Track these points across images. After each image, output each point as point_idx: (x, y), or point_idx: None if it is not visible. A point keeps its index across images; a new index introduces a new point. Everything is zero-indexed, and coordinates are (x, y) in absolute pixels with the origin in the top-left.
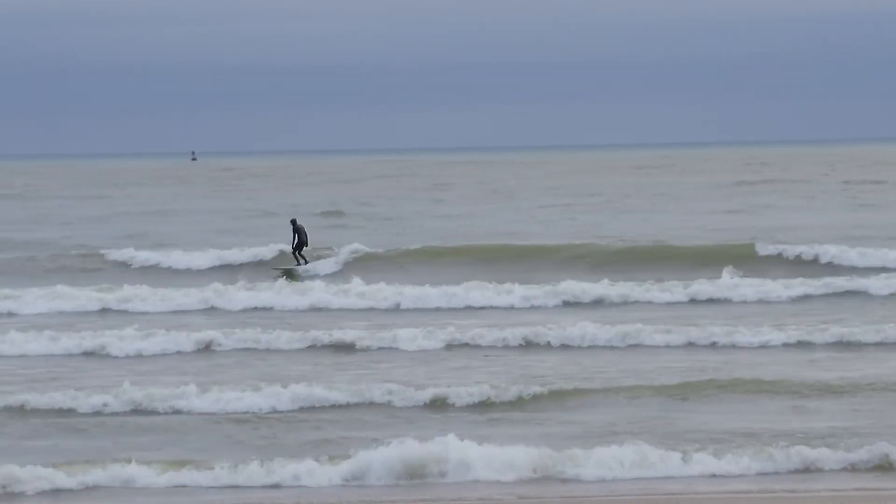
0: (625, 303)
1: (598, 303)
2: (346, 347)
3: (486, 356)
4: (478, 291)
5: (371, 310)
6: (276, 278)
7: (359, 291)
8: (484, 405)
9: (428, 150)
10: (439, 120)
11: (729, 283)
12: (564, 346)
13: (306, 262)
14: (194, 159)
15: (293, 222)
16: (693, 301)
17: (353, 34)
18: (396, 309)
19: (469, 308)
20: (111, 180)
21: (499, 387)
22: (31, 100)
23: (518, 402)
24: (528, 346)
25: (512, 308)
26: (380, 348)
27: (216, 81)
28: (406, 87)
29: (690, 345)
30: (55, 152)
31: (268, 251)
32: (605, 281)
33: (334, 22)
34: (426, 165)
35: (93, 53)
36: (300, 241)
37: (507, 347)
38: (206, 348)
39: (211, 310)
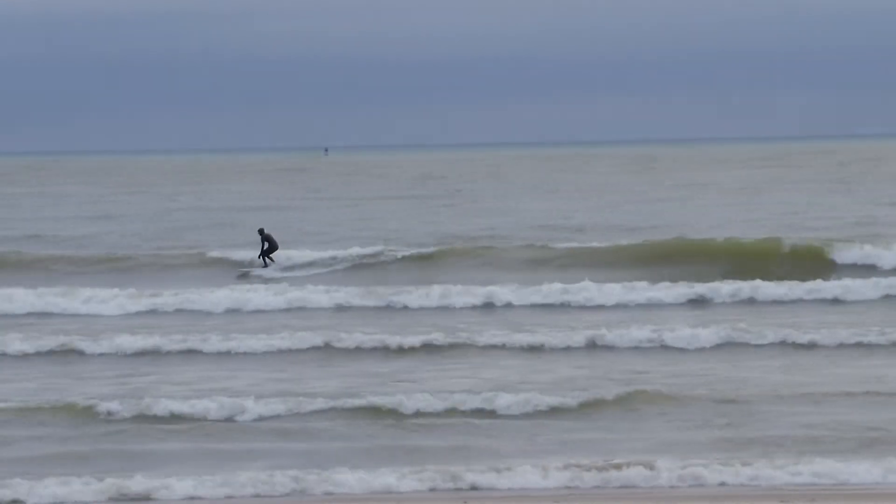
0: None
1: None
2: None
3: None
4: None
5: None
6: (237, 277)
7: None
8: None
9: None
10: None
11: None
12: None
13: (273, 262)
14: (326, 153)
15: (260, 232)
16: None
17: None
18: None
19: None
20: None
21: None
22: (177, 95)
23: None
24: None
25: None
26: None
27: (356, 74)
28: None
29: None
30: (209, 147)
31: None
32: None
33: (457, 16)
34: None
35: (231, 49)
36: (270, 247)
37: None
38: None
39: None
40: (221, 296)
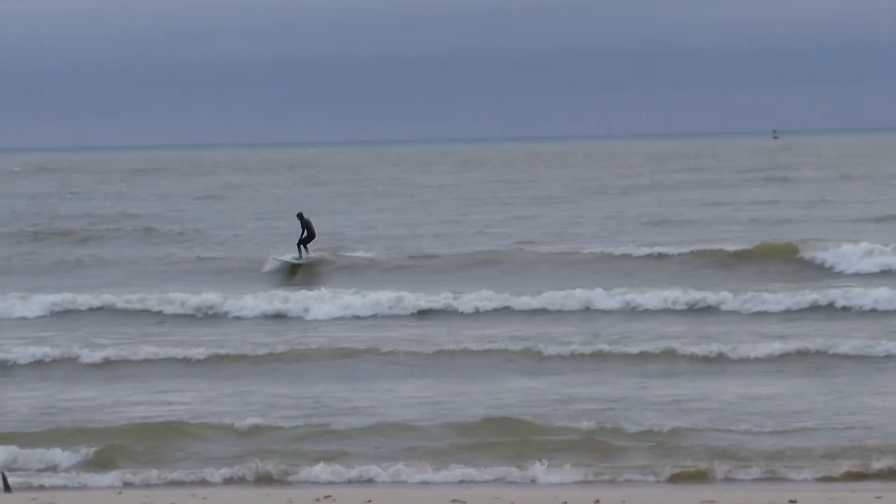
0: None
1: None
2: None
3: None
4: None
5: None
6: (271, 267)
7: None
8: None
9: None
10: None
11: None
12: None
13: (308, 254)
14: (776, 138)
15: (300, 216)
16: None
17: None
18: None
19: None
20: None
21: None
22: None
23: None
24: None
25: None
26: None
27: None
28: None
29: None
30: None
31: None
32: None
33: None
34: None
35: (620, 34)
36: (309, 233)
37: None
38: None
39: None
40: None
